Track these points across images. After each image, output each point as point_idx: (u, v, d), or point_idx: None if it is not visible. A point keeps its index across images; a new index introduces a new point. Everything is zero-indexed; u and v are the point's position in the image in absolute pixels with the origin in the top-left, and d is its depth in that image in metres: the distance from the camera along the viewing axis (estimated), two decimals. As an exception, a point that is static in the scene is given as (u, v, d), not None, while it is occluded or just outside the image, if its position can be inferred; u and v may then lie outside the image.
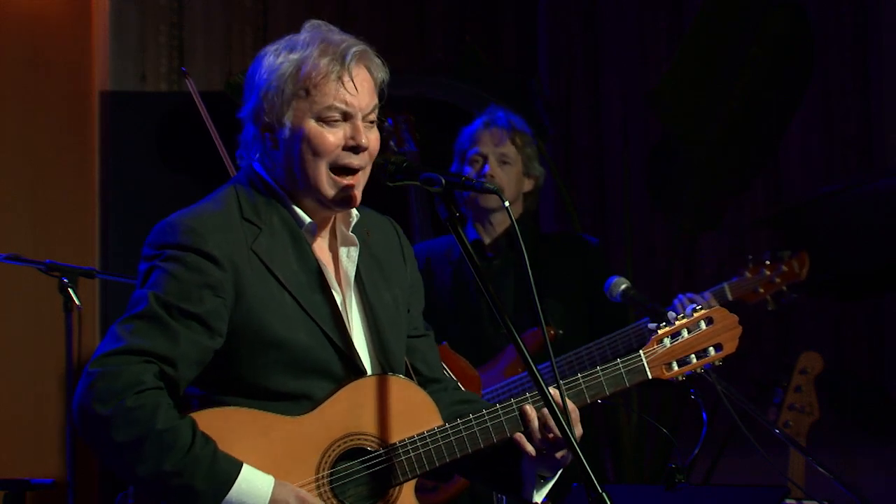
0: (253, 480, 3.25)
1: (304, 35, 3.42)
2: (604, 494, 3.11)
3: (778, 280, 5.48)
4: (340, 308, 3.43)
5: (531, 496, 3.52)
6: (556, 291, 5.44)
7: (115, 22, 6.85)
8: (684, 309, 4.29)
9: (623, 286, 5.08)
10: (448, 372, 3.76)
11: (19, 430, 6.49)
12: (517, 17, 7.83)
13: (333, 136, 3.38)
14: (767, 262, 5.50)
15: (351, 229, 3.49)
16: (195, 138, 6.91)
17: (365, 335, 3.48)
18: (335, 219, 3.49)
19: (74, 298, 4.88)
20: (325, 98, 3.37)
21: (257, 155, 3.44)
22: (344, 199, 3.40)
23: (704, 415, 4.64)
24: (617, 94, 7.76)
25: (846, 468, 6.32)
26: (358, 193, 3.42)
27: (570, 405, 3.44)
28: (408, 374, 3.54)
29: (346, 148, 3.39)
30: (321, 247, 3.48)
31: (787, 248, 5.55)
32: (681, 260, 7.03)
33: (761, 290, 5.47)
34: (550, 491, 3.57)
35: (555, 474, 3.51)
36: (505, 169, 5.49)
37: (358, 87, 3.39)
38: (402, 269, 3.60)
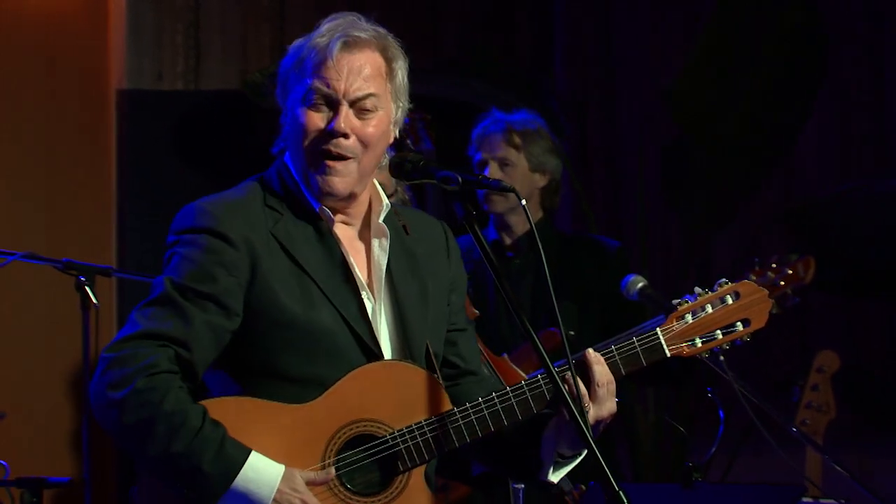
0: (261, 469, 3.24)
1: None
2: (620, 493, 3.09)
3: (782, 283, 5.45)
4: (365, 299, 3.41)
5: (547, 477, 3.45)
6: (572, 293, 5.43)
7: (132, 20, 6.85)
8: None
9: (640, 284, 5.07)
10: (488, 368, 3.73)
11: (37, 428, 6.50)
12: (532, 15, 7.82)
13: (315, 121, 3.35)
14: (773, 266, 5.47)
15: (382, 219, 3.47)
16: (211, 137, 6.94)
17: (389, 326, 3.45)
18: (370, 209, 3.46)
19: (91, 297, 4.87)
20: (308, 79, 3.34)
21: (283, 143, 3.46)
22: (325, 186, 3.36)
23: (721, 413, 4.64)
24: (632, 93, 7.76)
25: (863, 467, 6.31)
26: (339, 181, 3.36)
27: (609, 375, 3.41)
28: (432, 366, 3.46)
29: (324, 133, 3.34)
30: (349, 236, 3.45)
31: (797, 250, 5.54)
32: (696, 258, 7.02)
33: None
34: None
35: (574, 454, 3.44)
36: (507, 171, 5.47)
37: (346, 71, 3.34)
38: (444, 265, 3.55)
